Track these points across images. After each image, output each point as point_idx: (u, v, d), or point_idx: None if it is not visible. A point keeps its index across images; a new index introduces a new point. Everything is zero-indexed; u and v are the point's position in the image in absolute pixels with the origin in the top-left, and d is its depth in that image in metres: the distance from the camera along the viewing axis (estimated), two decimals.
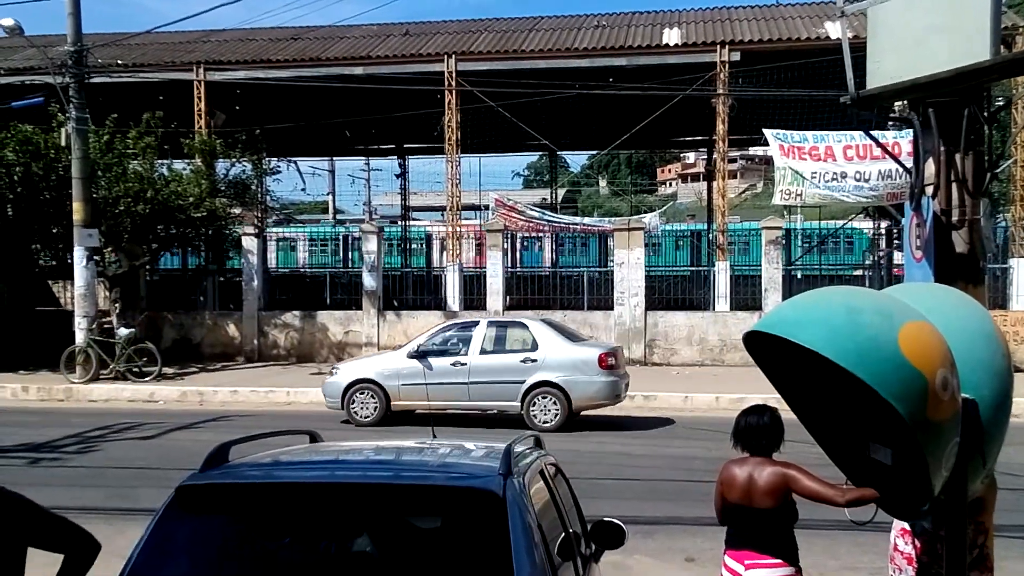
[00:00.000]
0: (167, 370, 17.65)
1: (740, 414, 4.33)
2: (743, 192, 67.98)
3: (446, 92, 20.74)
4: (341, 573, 3.41)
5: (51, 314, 21.34)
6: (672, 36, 20.91)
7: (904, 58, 4.71)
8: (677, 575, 6.74)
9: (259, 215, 22.90)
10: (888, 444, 3.76)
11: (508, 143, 27.42)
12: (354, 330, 20.27)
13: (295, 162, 28.33)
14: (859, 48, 5.05)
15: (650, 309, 19.41)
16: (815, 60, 17.81)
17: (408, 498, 3.36)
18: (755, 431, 4.22)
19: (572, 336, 13.68)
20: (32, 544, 3.00)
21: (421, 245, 30.76)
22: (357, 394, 13.18)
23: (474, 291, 20.75)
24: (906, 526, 4.33)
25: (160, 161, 20.01)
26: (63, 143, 17.29)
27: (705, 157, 33.79)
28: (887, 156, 13.89)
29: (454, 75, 20.66)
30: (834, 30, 18.98)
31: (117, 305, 18.63)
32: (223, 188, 20.72)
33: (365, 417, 13.07)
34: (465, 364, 12.81)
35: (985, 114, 4.87)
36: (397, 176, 34.46)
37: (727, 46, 19.96)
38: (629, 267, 19.26)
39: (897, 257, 20.40)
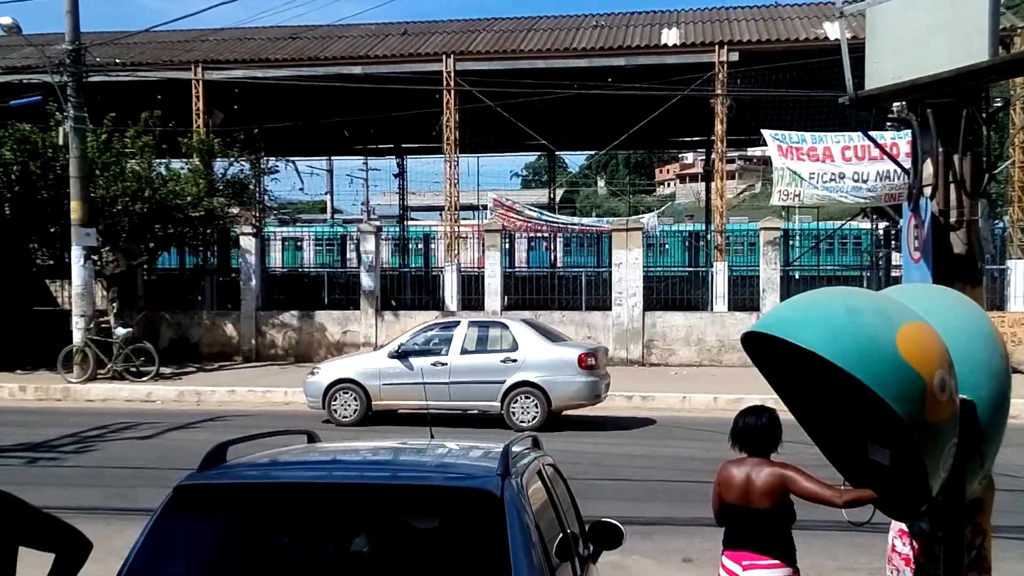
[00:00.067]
0: (165, 370, 17.63)
1: (738, 415, 4.33)
2: (741, 193, 68.05)
3: (444, 92, 20.73)
4: (339, 573, 3.40)
5: (49, 313, 21.32)
6: (671, 36, 20.92)
7: (903, 59, 4.71)
8: None
9: (257, 215, 22.89)
10: (886, 445, 3.76)
11: (506, 143, 27.44)
12: (352, 330, 20.27)
13: (293, 161, 28.30)
14: (858, 49, 5.05)
15: (648, 309, 19.42)
16: (814, 60, 17.82)
17: (406, 498, 3.35)
18: (753, 432, 4.21)
19: (553, 336, 13.70)
20: (23, 543, 2.98)
21: (419, 245, 30.75)
22: (338, 394, 13.18)
23: (473, 291, 20.76)
24: (904, 527, 4.33)
25: (158, 160, 19.98)
26: (61, 142, 17.28)
27: (703, 157, 33.80)
28: (885, 157, 13.89)
29: (453, 75, 20.65)
30: (833, 31, 18.99)
31: (115, 304, 18.61)
32: (221, 187, 20.71)
33: (346, 417, 13.06)
34: (446, 364, 12.81)
35: (983, 115, 4.87)
36: (395, 176, 34.50)
37: (726, 46, 19.97)
38: (627, 267, 19.26)
39: (895, 258, 20.42)
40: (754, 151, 51.69)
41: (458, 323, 13.61)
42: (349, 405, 13.13)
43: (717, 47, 20.01)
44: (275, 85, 21.33)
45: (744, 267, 23.28)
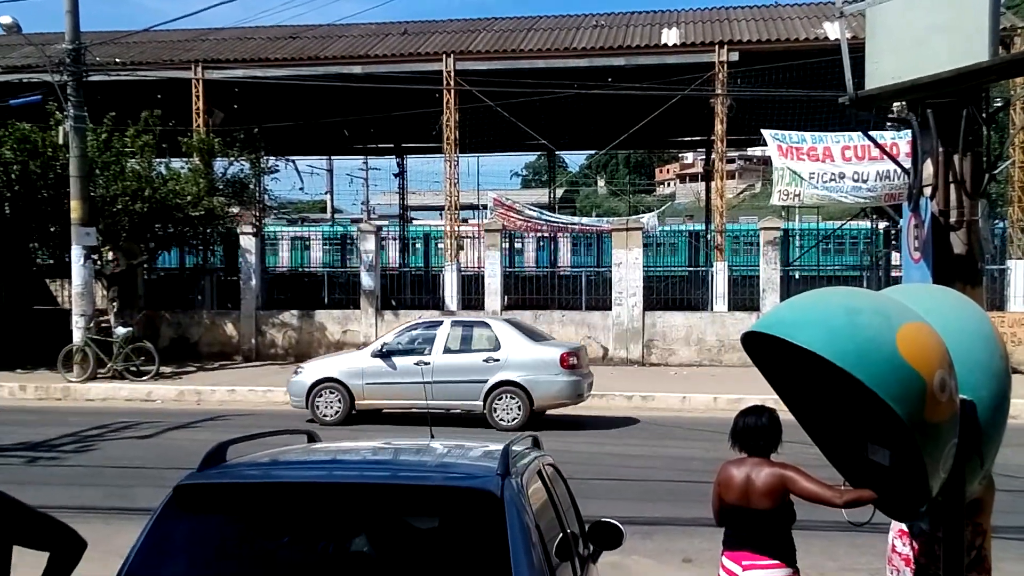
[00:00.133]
0: (165, 369, 17.63)
1: (738, 415, 4.33)
2: (741, 192, 68.03)
3: (444, 91, 20.73)
4: (339, 573, 3.40)
5: (49, 313, 21.32)
6: (671, 36, 20.91)
7: (903, 59, 4.71)
8: None
9: (257, 214, 22.88)
10: (886, 445, 3.76)
11: (506, 143, 27.42)
12: (352, 329, 20.26)
13: (293, 161, 28.29)
14: (858, 49, 5.05)
15: (648, 309, 19.42)
16: (814, 60, 17.81)
17: (406, 498, 3.36)
18: (753, 432, 4.21)
19: (535, 336, 13.73)
20: (17, 542, 2.98)
21: (415, 244, 30.74)
22: (321, 393, 13.19)
23: (473, 291, 20.76)
24: (904, 527, 4.33)
25: (158, 160, 19.99)
26: (61, 141, 17.28)
27: (703, 157, 33.80)
28: (885, 157, 13.89)
29: (453, 74, 20.65)
30: (833, 30, 18.99)
31: (115, 304, 18.61)
32: (221, 187, 20.70)
33: (329, 417, 13.05)
34: (429, 363, 12.81)
35: (983, 115, 4.87)
36: (395, 175, 34.48)
37: (726, 46, 19.97)
38: (627, 267, 19.26)
39: (895, 258, 20.42)
40: (754, 151, 51.68)
41: (441, 323, 13.63)
42: (332, 405, 13.14)
43: (717, 47, 20.01)
44: (275, 85, 21.32)
45: (744, 267, 23.28)
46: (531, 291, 20.90)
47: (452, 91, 20.68)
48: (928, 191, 4.74)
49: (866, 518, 3.98)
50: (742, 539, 4.16)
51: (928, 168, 4.75)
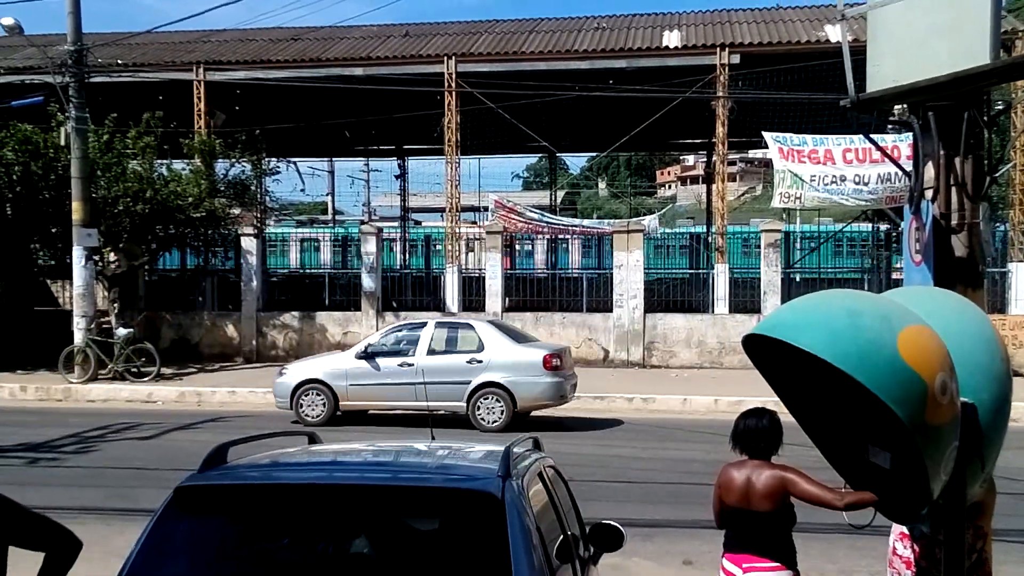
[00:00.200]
0: (165, 370, 17.63)
1: (739, 417, 4.33)
2: (742, 195, 68.03)
3: (446, 93, 20.75)
4: (339, 575, 3.40)
5: (50, 314, 21.33)
6: (672, 38, 20.92)
7: (904, 61, 4.71)
8: None
9: (258, 215, 22.89)
10: (887, 448, 3.76)
11: (508, 145, 27.40)
12: (353, 331, 20.25)
13: (294, 162, 28.29)
14: (859, 51, 5.05)
15: (649, 311, 19.42)
16: (815, 63, 17.83)
17: (406, 500, 3.36)
18: (754, 434, 4.21)
19: (519, 337, 13.76)
20: (12, 543, 2.98)
21: (413, 245, 30.71)
22: (305, 394, 13.22)
23: (474, 292, 20.77)
24: (905, 530, 4.33)
25: (159, 161, 20.00)
26: (62, 142, 17.29)
27: (704, 160, 33.82)
28: (886, 159, 13.85)
29: (454, 76, 20.66)
30: (834, 33, 18.99)
31: (116, 305, 18.62)
32: (222, 188, 20.70)
33: (313, 417, 13.05)
34: (412, 365, 12.82)
35: (985, 118, 4.87)
36: (397, 177, 34.47)
37: (727, 49, 19.97)
38: (628, 269, 19.26)
39: (896, 261, 20.41)
40: (755, 153, 51.73)
41: (425, 324, 13.64)
42: (316, 405, 13.16)
43: (718, 49, 20.01)
44: (277, 86, 21.34)
45: (745, 269, 23.27)
46: (532, 293, 20.91)
47: (453, 93, 20.69)
48: (929, 194, 4.74)
49: (867, 521, 3.98)
50: (743, 541, 4.15)
51: (929, 171, 4.75)
